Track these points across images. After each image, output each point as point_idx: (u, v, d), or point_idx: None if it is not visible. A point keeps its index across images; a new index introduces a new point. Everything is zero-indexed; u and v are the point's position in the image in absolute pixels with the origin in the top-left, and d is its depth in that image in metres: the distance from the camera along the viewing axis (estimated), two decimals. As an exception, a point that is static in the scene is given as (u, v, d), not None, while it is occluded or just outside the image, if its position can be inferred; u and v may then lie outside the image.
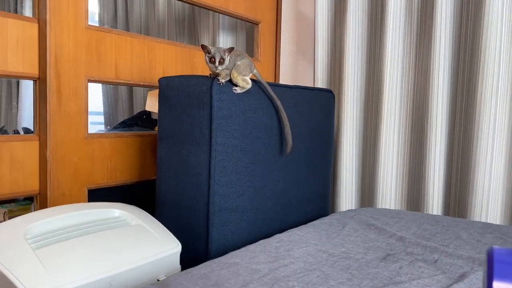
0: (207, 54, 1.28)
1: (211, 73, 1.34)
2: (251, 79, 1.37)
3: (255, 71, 1.38)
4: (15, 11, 2.16)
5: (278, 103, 1.43)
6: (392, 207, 1.93)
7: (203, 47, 1.28)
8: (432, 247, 1.15)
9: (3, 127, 2.27)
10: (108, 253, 1.05)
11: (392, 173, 1.92)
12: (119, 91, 2.53)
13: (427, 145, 1.81)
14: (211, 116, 1.29)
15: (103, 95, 2.51)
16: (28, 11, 2.10)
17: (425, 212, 1.81)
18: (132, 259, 1.08)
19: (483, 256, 1.08)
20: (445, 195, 1.83)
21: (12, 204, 1.75)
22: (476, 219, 1.69)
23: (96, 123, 2.46)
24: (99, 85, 2.45)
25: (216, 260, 1.03)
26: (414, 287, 0.90)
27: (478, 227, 1.37)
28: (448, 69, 1.79)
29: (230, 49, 1.29)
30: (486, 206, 1.68)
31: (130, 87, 2.50)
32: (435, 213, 1.80)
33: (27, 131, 1.95)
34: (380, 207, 1.92)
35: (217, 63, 1.26)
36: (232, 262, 1.01)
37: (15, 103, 2.20)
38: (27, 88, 2.14)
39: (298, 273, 0.95)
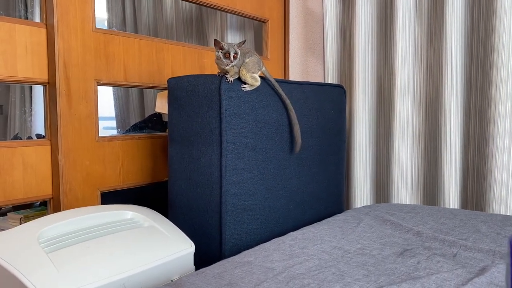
0: (220, 50, 1.27)
1: (219, 71, 1.33)
2: (260, 77, 1.35)
3: (263, 68, 1.37)
4: (26, 18, 2.18)
5: (287, 101, 1.41)
6: (408, 202, 1.90)
7: (216, 42, 1.27)
8: (450, 241, 1.12)
9: (17, 134, 2.29)
10: (121, 255, 1.05)
11: (407, 167, 1.88)
12: (130, 95, 2.53)
13: (442, 138, 1.77)
14: (221, 115, 1.28)
15: (114, 99, 2.52)
16: (38, 18, 2.12)
17: (442, 206, 1.78)
18: (146, 260, 1.07)
19: (504, 249, 1.05)
20: (462, 189, 1.79)
21: (28, 210, 1.77)
22: (495, 211, 1.65)
23: (109, 128, 2.47)
24: (110, 90, 2.46)
25: (229, 259, 1.01)
26: (432, 282, 0.87)
27: (498, 220, 1.33)
28: (461, 60, 1.76)
29: (241, 43, 1.28)
30: (506, 198, 1.64)
31: (141, 90, 2.51)
32: (452, 207, 1.77)
33: (40, 138, 1.97)
34: (395, 202, 1.89)
35: (232, 58, 1.25)
36: (246, 261, 0.99)
37: (28, 110, 2.23)
38: (40, 95, 2.16)
39: (313, 270, 0.94)
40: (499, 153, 1.64)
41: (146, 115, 2.45)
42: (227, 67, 1.27)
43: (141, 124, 2.20)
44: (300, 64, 2.26)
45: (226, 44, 1.26)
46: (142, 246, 1.11)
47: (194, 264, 1.22)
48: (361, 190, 2.01)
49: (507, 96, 1.62)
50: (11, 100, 2.21)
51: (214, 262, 1.01)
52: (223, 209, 1.29)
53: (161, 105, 1.68)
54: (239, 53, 1.27)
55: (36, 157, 1.34)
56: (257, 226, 1.36)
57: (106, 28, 2.41)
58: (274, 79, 1.40)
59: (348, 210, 1.50)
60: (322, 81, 2.17)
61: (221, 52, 1.26)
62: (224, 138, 1.28)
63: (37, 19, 2.11)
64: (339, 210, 1.74)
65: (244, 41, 1.29)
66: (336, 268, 0.95)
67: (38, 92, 2.16)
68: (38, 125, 2.24)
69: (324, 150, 1.62)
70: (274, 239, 1.16)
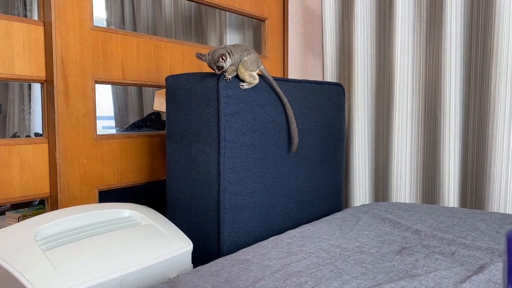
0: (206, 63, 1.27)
1: (217, 69, 1.33)
2: (258, 75, 1.35)
3: (262, 66, 1.36)
4: (24, 16, 2.18)
5: (285, 100, 1.41)
6: (407, 201, 1.89)
7: (198, 57, 1.27)
8: (449, 239, 1.11)
9: (16, 133, 2.29)
10: (119, 253, 1.04)
11: (406, 166, 1.88)
12: (129, 93, 2.53)
13: (441, 137, 1.77)
14: (219, 113, 1.27)
15: (113, 98, 2.52)
16: (36, 16, 2.12)
17: (441, 204, 1.77)
18: (143, 258, 1.06)
19: (502, 247, 1.05)
20: (461, 187, 1.78)
21: (27, 209, 1.76)
22: (494, 210, 1.64)
23: (108, 127, 2.46)
24: (109, 89, 2.46)
25: (227, 257, 1.01)
26: (431, 279, 0.87)
27: (497, 218, 1.33)
28: (460, 58, 1.75)
29: (234, 46, 1.27)
30: (504, 197, 1.63)
31: (139, 88, 2.51)
32: (451, 205, 1.76)
33: (38, 136, 1.97)
34: (394, 201, 1.89)
35: (217, 71, 1.25)
36: (243, 258, 0.99)
37: (27, 109, 2.22)
38: (39, 94, 2.16)
39: (311, 268, 0.93)
40: (498, 152, 1.63)
41: (145, 114, 2.45)
42: (220, 72, 1.26)
43: (140, 123, 2.19)
44: (299, 63, 2.25)
45: (208, 57, 1.25)
46: (140, 244, 1.11)
47: (192, 263, 1.21)
48: (360, 189, 2.01)
49: (506, 94, 1.62)
50: (10, 99, 2.21)
51: (212, 261, 1.01)
52: (221, 207, 1.29)
53: (159, 103, 1.67)
54: (228, 58, 1.24)
55: (34, 155, 1.34)
56: (255, 224, 1.36)
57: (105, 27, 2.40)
58: (273, 77, 1.40)
59: (346, 209, 1.49)
60: (321, 80, 2.16)
61: (207, 63, 1.26)
62: (222, 136, 1.27)
63: (35, 17, 2.10)
64: (338, 209, 1.74)
65: (231, 51, 1.26)
66: (334, 266, 0.94)
67: (37, 90, 2.16)
68: (37, 124, 2.24)
69: (323, 148, 1.62)
70: (272, 237, 1.16)
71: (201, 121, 1.31)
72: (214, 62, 1.24)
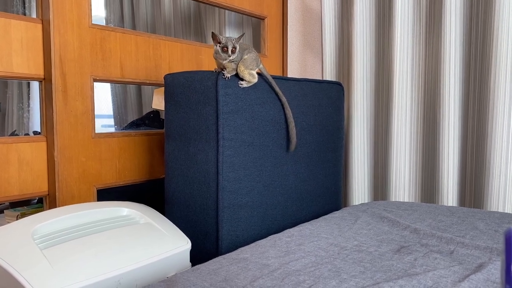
0: (218, 44, 1.26)
1: (216, 68, 1.32)
2: (257, 73, 1.35)
3: (261, 65, 1.36)
4: (23, 14, 2.17)
5: (284, 99, 1.40)
6: (406, 200, 1.89)
7: (214, 36, 1.26)
8: (447, 238, 1.11)
9: (15, 131, 2.28)
10: (117, 251, 1.04)
11: (405, 165, 1.88)
12: (128, 92, 2.53)
13: (440, 135, 1.77)
14: (217, 111, 1.27)
15: (112, 96, 2.51)
16: (34, 14, 2.11)
17: (440, 204, 1.77)
18: (141, 257, 1.06)
19: (501, 246, 1.05)
20: (460, 186, 1.78)
21: (25, 207, 1.76)
22: (493, 209, 1.64)
23: (107, 126, 2.46)
24: (108, 88, 2.46)
25: (225, 256, 1.01)
26: (429, 278, 0.87)
27: (496, 217, 1.33)
28: (459, 57, 1.75)
29: (240, 37, 1.27)
30: (503, 196, 1.63)
31: (139, 87, 2.50)
32: (450, 204, 1.76)
33: (37, 135, 1.96)
34: (393, 200, 1.89)
35: (230, 52, 1.24)
36: (242, 257, 0.99)
37: (26, 107, 2.22)
38: (37, 92, 2.15)
39: (309, 267, 0.93)
40: (497, 151, 1.63)
41: (144, 112, 2.45)
42: (225, 62, 1.26)
43: (139, 121, 2.19)
44: (298, 61, 2.25)
45: (224, 38, 1.26)
46: (138, 243, 1.10)
47: (191, 261, 1.21)
48: (359, 188, 2.01)
49: (505, 93, 1.62)
50: (8, 97, 2.21)
51: (211, 259, 1.01)
52: (219, 206, 1.29)
53: (158, 102, 1.67)
54: (238, 47, 1.26)
55: (32, 153, 1.33)
56: (254, 223, 1.36)
57: (104, 25, 2.39)
58: (272, 76, 1.40)
59: (345, 208, 1.49)
60: (320, 78, 2.16)
61: (219, 46, 1.26)
62: (221, 135, 1.27)
63: (34, 15, 2.10)
64: (337, 208, 1.73)
65: (243, 35, 1.28)
66: (333, 265, 0.94)
67: (36, 88, 2.16)
68: (36, 122, 2.23)
69: (322, 147, 1.62)
70: (270, 236, 1.16)
71: (199, 120, 1.31)
72: (231, 41, 1.25)
